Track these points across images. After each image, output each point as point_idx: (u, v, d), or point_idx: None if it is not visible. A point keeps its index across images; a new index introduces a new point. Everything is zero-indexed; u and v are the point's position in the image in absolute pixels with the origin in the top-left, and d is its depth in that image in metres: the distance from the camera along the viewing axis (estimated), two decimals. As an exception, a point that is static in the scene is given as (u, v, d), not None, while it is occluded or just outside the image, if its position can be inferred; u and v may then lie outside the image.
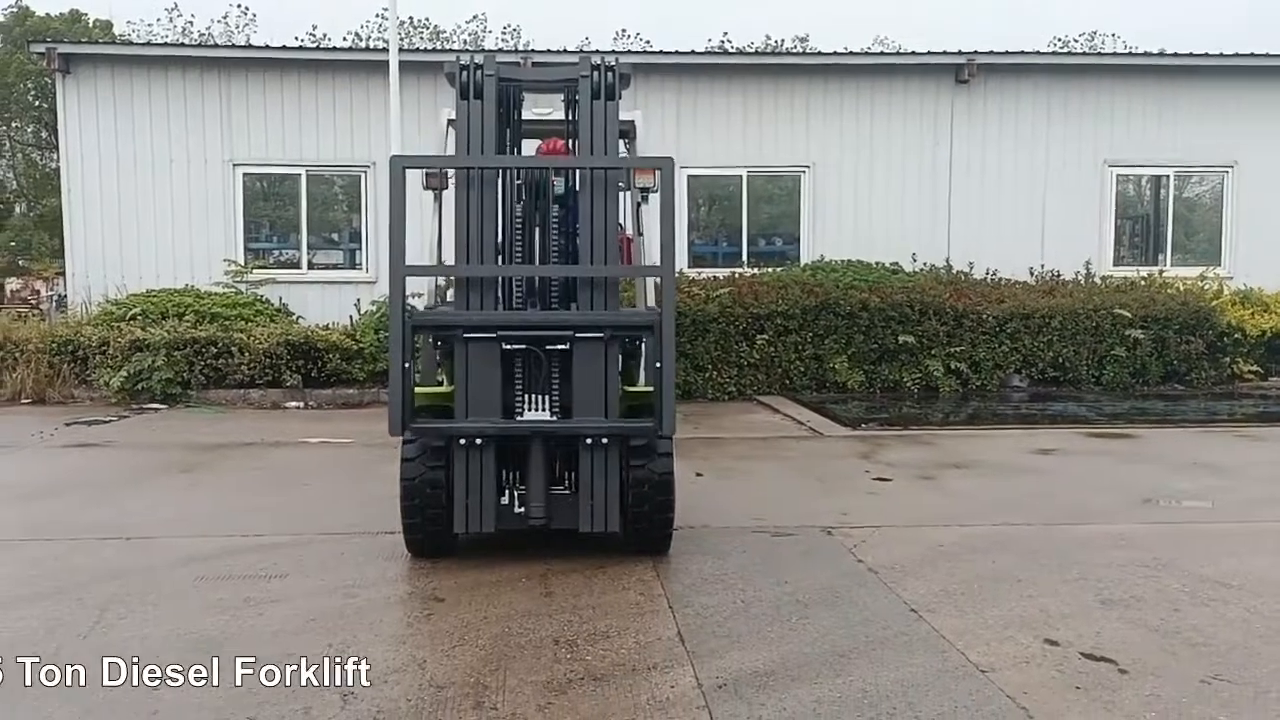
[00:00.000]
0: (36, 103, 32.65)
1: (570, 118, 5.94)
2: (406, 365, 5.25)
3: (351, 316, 13.42)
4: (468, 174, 5.47)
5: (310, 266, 15.59)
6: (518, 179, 5.73)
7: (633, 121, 6.38)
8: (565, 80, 5.85)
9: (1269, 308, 14.77)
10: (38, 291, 26.09)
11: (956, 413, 11.81)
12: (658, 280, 6.37)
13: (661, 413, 5.20)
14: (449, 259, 6.00)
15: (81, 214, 14.99)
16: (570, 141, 6.14)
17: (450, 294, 6.10)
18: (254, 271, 14.54)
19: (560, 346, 5.36)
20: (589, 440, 5.32)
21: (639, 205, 6.22)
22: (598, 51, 6.59)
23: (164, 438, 10.10)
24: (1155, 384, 13.70)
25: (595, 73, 5.55)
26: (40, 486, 7.90)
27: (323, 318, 13.80)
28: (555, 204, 5.71)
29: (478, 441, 5.30)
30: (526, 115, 6.34)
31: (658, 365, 5.22)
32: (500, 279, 5.60)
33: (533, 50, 16.95)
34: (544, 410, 5.42)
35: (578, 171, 5.68)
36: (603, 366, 5.36)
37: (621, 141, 6.18)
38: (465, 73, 5.56)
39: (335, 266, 15.95)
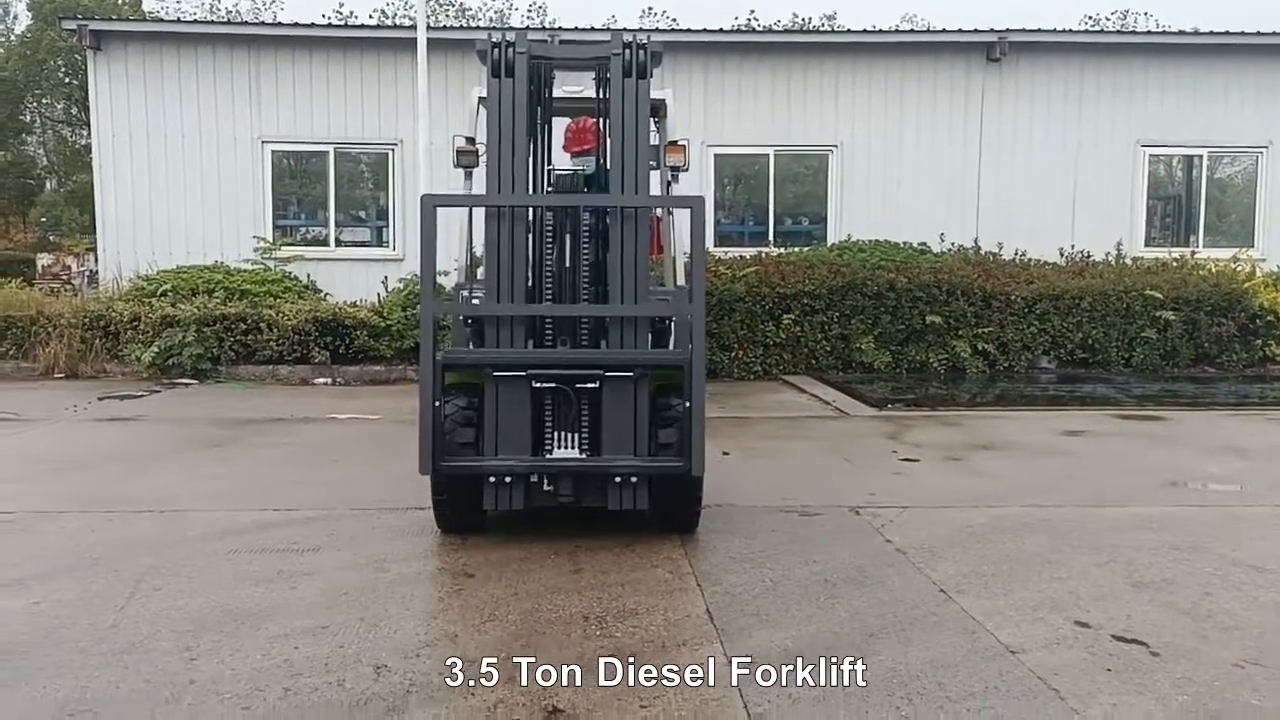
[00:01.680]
0: (67, 79, 32.82)
1: (601, 96, 5.93)
2: (437, 404, 5.26)
3: (379, 294, 13.48)
4: (499, 208, 5.46)
5: (338, 244, 15.69)
6: (549, 187, 5.70)
7: (663, 100, 6.36)
8: (596, 58, 5.83)
9: (1302, 290, 14.61)
10: (69, 267, 26.29)
11: (984, 394, 11.76)
12: (686, 260, 6.38)
13: (691, 452, 5.22)
14: (479, 244, 6.02)
15: (113, 190, 15.11)
16: (600, 120, 6.12)
17: (480, 272, 6.10)
18: (282, 248, 14.62)
19: (590, 385, 5.38)
20: (618, 479, 5.34)
21: (669, 184, 6.21)
22: (628, 29, 6.56)
23: (195, 412, 10.20)
24: (1186, 366, 13.59)
25: (627, 50, 5.54)
26: (74, 459, 7.99)
27: (350, 295, 13.88)
28: (586, 214, 5.67)
29: (507, 480, 5.34)
30: (557, 93, 6.33)
31: (687, 405, 5.23)
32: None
33: (559, 28, 16.87)
34: (573, 448, 5.43)
35: (607, 165, 5.67)
36: (632, 404, 5.39)
37: (652, 120, 6.17)
38: (496, 50, 5.55)
39: (363, 244, 16.04)
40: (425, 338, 5.32)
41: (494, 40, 5.58)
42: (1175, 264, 14.73)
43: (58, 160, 34.68)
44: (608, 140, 5.80)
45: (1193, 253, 15.57)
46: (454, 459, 5.37)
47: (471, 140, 6.31)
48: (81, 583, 5.01)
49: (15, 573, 5.16)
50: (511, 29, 5.54)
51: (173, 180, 15.06)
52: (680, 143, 6.16)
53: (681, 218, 6.12)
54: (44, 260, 27.87)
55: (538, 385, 5.38)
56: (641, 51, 5.53)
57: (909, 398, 11.10)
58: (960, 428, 9.40)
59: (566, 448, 5.44)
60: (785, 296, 12.78)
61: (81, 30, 14.92)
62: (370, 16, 37.97)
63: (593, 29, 17.82)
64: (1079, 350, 13.46)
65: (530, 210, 5.62)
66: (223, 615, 4.56)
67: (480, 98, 6.29)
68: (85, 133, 33.34)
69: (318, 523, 6.07)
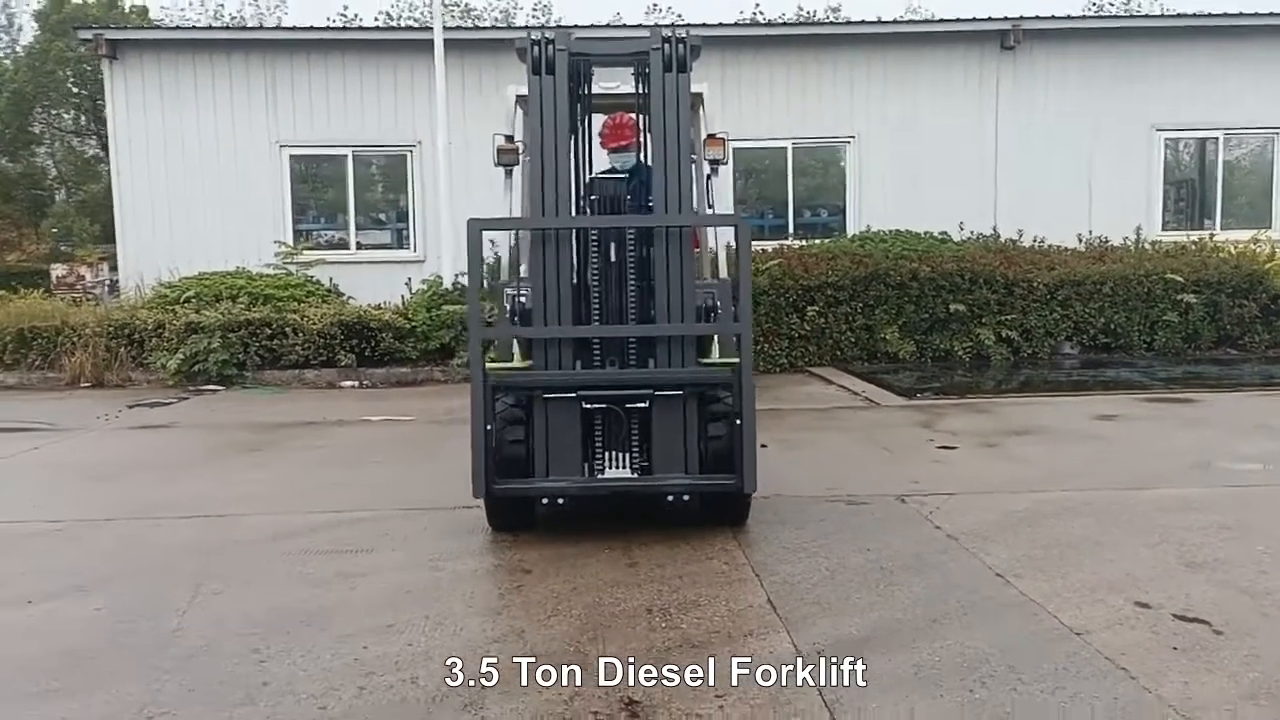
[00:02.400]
0: (76, 90, 32.82)
1: (640, 90, 5.94)
2: (489, 428, 5.29)
3: (402, 296, 13.50)
4: (543, 231, 5.47)
5: (359, 247, 15.72)
6: (592, 195, 5.70)
7: (700, 93, 6.38)
8: (636, 53, 5.84)
9: (1322, 270, 14.59)
10: (82, 277, 26.34)
11: (1010, 381, 11.77)
12: (730, 245, 6.41)
13: (743, 468, 5.26)
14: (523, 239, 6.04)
15: (131, 199, 15.17)
16: (640, 116, 6.14)
17: (524, 269, 6.11)
18: (304, 253, 14.64)
19: (640, 404, 5.41)
20: (670, 498, 5.39)
21: (709, 177, 6.23)
22: (659, 25, 6.57)
23: (226, 418, 10.24)
24: (1208, 349, 13.58)
25: (666, 45, 5.55)
26: (113, 467, 8.03)
27: (373, 297, 13.88)
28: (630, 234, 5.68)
29: (560, 501, 5.39)
30: (595, 89, 6.34)
31: (738, 422, 5.27)
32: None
33: (574, 26, 16.87)
34: (624, 468, 5.46)
35: (648, 156, 5.68)
36: (682, 422, 5.42)
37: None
38: (536, 48, 5.56)
39: (383, 246, 16.08)
40: (474, 362, 5.34)
41: (534, 38, 5.59)
42: (1194, 247, 14.71)
43: (68, 171, 34.68)
44: (648, 136, 5.82)
45: (1211, 235, 15.54)
46: (506, 482, 5.41)
47: (510, 138, 6.33)
48: (139, 588, 5.05)
49: (71, 580, 5.20)
50: (542, 27, 5.56)
51: (191, 187, 15.11)
52: (720, 135, 6.18)
53: (724, 202, 6.16)
54: (58, 271, 27.87)
55: (588, 406, 5.41)
56: (681, 45, 5.55)
57: (936, 386, 11.11)
58: (992, 415, 9.41)
59: (618, 468, 5.47)
60: (809, 288, 12.79)
61: (98, 39, 14.96)
62: (376, 18, 37.90)
63: (596, 25, 17.85)
64: (1101, 335, 13.46)
65: (574, 237, 5.63)
66: (286, 617, 4.59)
67: (518, 95, 6.32)
68: (95, 142, 33.40)
69: (367, 524, 6.10)
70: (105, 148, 30.97)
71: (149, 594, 4.96)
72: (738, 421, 5.29)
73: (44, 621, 4.61)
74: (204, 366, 12.19)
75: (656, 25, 7.73)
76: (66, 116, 34.52)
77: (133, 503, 6.78)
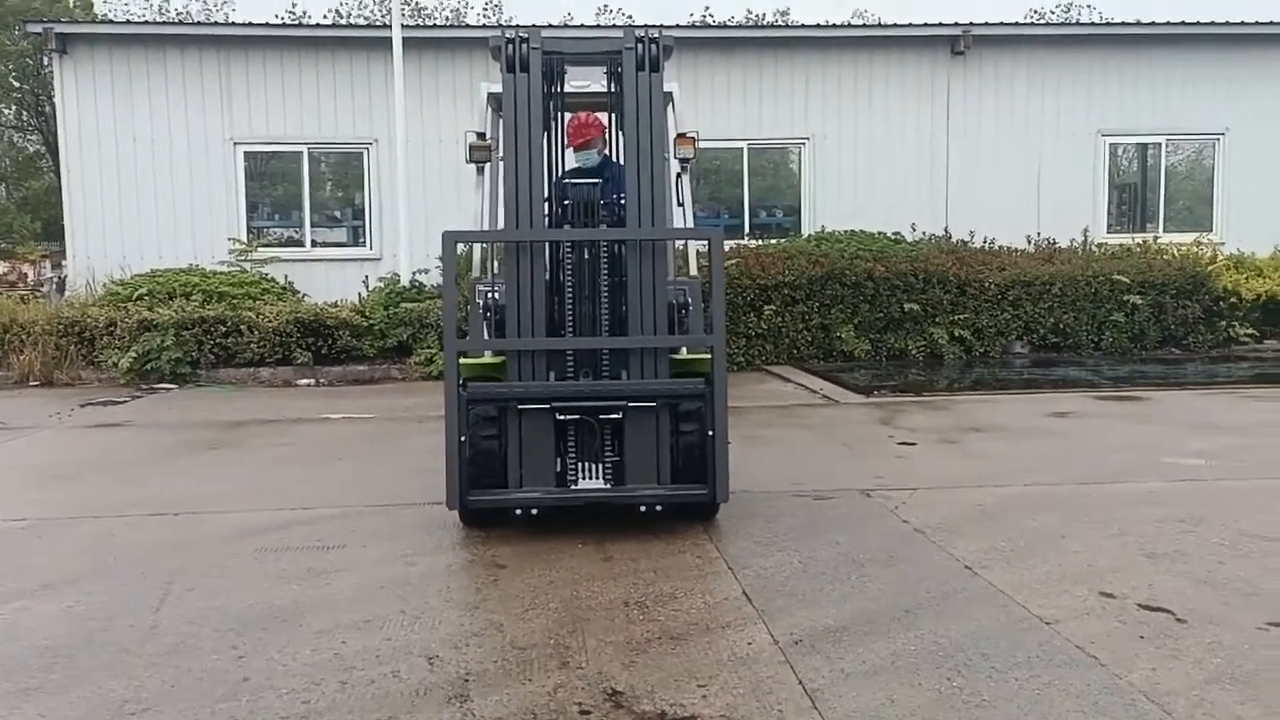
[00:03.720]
0: (18, 84, 32.27)
1: (612, 90, 5.98)
2: (463, 439, 5.32)
3: (359, 294, 13.45)
4: (516, 244, 5.52)
5: (314, 244, 15.61)
6: (565, 200, 5.75)
7: (670, 92, 6.43)
8: (609, 52, 5.89)
9: (1262, 272, 15.01)
10: (25, 275, 25.87)
11: (964, 379, 11.96)
12: (701, 246, 6.49)
13: (714, 479, 5.37)
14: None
15: (82, 195, 14.95)
16: (611, 114, 6.18)
17: (498, 265, 6.13)
18: (258, 250, 14.53)
19: (613, 415, 5.46)
20: (643, 509, 5.48)
21: (679, 175, 6.29)
22: (632, 25, 6.61)
23: (182, 416, 10.14)
24: (1154, 348, 13.92)
25: (639, 45, 5.61)
26: (72, 466, 7.92)
27: (328, 295, 13.82)
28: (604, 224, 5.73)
29: (534, 512, 5.43)
30: (566, 88, 6.37)
31: (710, 434, 5.38)
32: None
33: (518, 25, 16.86)
34: (597, 478, 5.52)
35: (620, 155, 5.73)
36: (654, 432, 5.49)
37: None
38: (510, 46, 5.59)
39: (339, 244, 15.99)
40: (449, 372, 5.35)
41: (508, 36, 5.62)
42: (1139, 249, 15.06)
43: (9, 166, 34.08)
44: (620, 136, 5.86)
45: (1155, 238, 15.90)
46: (480, 494, 5.44)
47: (482, 135, 6.35)
48: (111, 586, 5.00)
49: (42, 578, 5.13)
50: (515, 26, 5.59)
51: (143, 184, 14.92)
52: (690, 134, 6.24)
53: (689, 217, 6.24)
54: (-1, 268, 27.44)
55: (561, 417, 5.45)
56: (654, 45, 5.61)
57: (893, 384, 11.27)
58: (949, 412, 9.57)
59: (591, 478, 5.52)
60: (766, 288, 12.92)
61: (47, 33, 14.72)
62: (325, 16, 37.65)
63: (565, 25, 17.90)
64: (1051, 335, 13.74)
65: (547, 219, 5.67)
66: (262, 613, 4.58)
67: (490, 93, 6.34)
68: (37, 138, 32.84)
69: (337, 520, 6.09)
70: (47, 144, 30.55)
71: (122, 591, 4.91)
72: (709, 433, 5.38)
73: (17, 620, 4.55)
74: (157, 365, 12.07)
75: (629, 25, 7.78)
76: (7, 112, 33.91)
77: (97, 501, 6.70)
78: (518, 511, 5.45)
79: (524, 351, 5.54)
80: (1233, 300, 14.33)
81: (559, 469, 5.53)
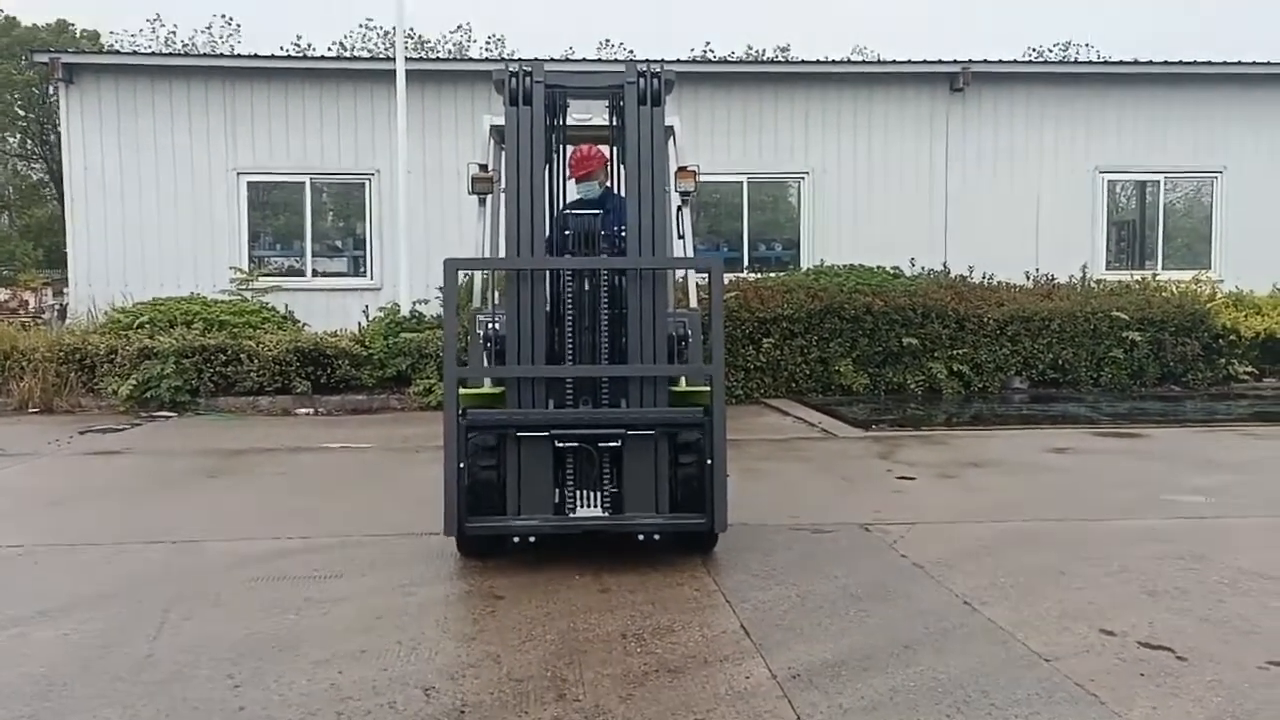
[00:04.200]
0: (23, 113, 32.45)
1: (615, 123, 6.02)
2: (461, 465, 5.32)
3: (359, 323, 13.47)
4: (517, 272, 5.54)
5: (315, 274, 15.66)
6: (566, 229, 5.78)
7: (671, 126, 6.47)
8: (611, 86, 5.93)
9: (1261, 310, 15.05)
10: (26, 302, 25.97)
11: (962, 414, 11.96)
12: (700, 278, 6.51)
13: (713, 508, 5.36)
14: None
15: (85, 223, 15.03)
16: (613, 147, 6.22)
17: (498, 296, 6.14)
18: (259, 279, 14.57)
19: (612, 443, 5.45)
20: (641, 536, 5.47)
21: (679, 208, 6.32)
22: (634, 60, 6.65)
23: (181, 444, 10.13)
24: (1153, 385, 13.91)
25: (641, 79, 5.65)
26: (70, 493, 7.91)
27: (328, 324, 13.84)
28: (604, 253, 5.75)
29: (532, 540, 5.43)
30: (569, 121, 6.41)
31: (709, 463, 5.37)
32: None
33: (522, 59, 17.04)
34: (595, 506, 5.50)
35: (621, 188, 5.77)
36: (653, 461, 5.48)
37: None
38: (514, 80, 5.63)
39: (340, 274, 16.05)
40: (449, 399, 5.34)
41: (511, 70, 5.66)
42: (1138, 286, 15.10)
43: (11, 195, 34.23)
44: (622, 169, 5.90)
45: (1154, 275, 15.95)
46: (478, 521, 5.42)
47: (484, 167, 6.39)
48: (107, 614, 4.98)
49: (37, 605, 5.11)
50: (518, 60, 5.62)
51: (146, 212, 15.00)
52: (690, 168, 6.28)
53: (689, 247, 6.26)
54: (0, 295, 27.51)
55: (560, 445, 5.44)
56: (656, 80, 5.65)
57: (892, 418, 11.27)
58: (948, 446, 9.56)
59: (589, 506, 5.50)
60: (764, 320, 12.94)
61: (54, 63, 14.85)
62: (329, 49, 37.92)
63: (567, 60, 18.02)
64: (1050, 370, 13.74)
65: (548, 250, 5.69)
66: (258, 643, 4.56)
67: (493, 125, 6.38)
68: (41, 166, 32.96)
69: (335, 549, 6.07)
70: (51, 172, 30.72)
71: (118, 619, 4.89)
72: (709, 462, 5.37)
73: (12, 647, 4.53)
74: (156, 392, 12.06)
75: (631, 60, 7.85)
76: (12, 140, 34.09)
77: (95, 528, 6.69)
78: (515, 539, 5.43)
79: (524, 380, 5.54)
80: (1232, 338, 14.35)
81: (557, 499, 5.51)
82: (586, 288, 5.66)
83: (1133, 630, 4.62)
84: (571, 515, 5.50)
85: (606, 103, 6.03)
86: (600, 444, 5.46)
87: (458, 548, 5.77)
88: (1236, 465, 8.73)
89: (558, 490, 5.51)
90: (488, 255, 6.54)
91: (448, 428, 5.31)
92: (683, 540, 5.76)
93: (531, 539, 5.43)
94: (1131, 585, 5.30)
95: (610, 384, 5.65)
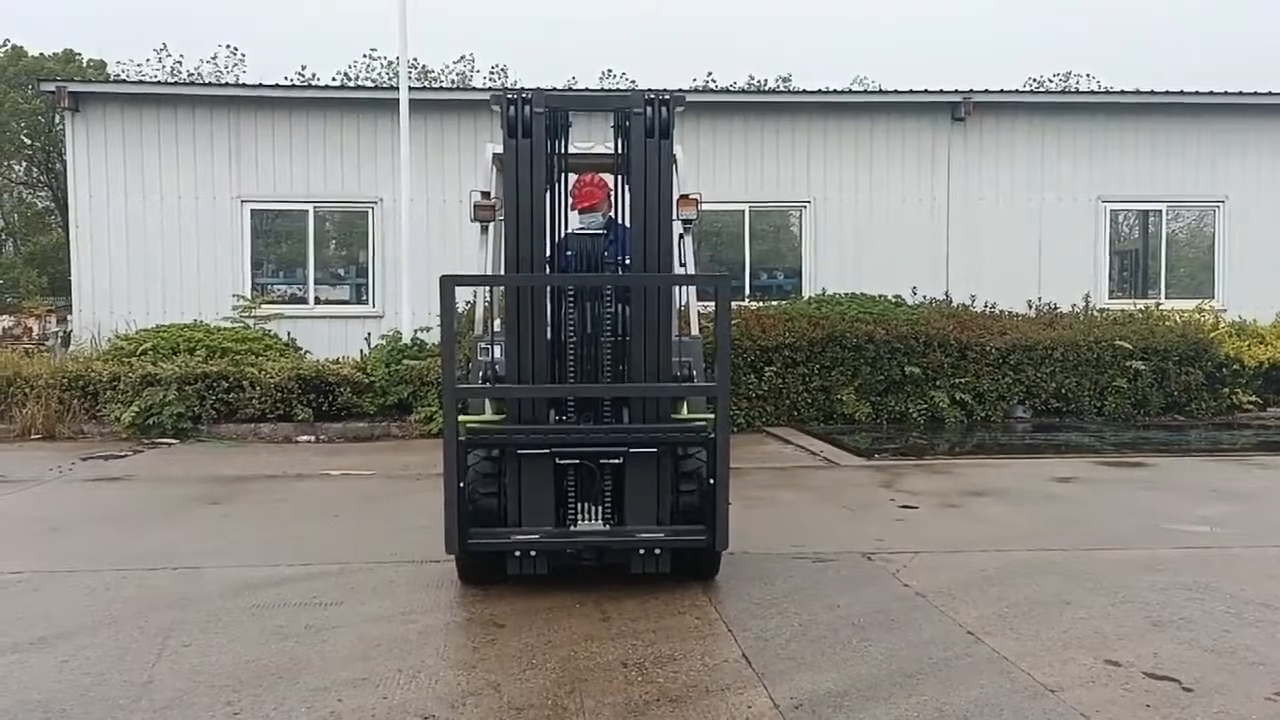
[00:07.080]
0: (29, 142, 32.62)
1: (619, 151, 6.01)
2: (461, 485, 5.29)
3: (361, 350, 13.46)
4: (518, 289, 5.54)
5: (317, 301, 15.69)
6: (568, 251, 5.77)
7: (675, 154, 6.47)
8: (617, 106, 5.91)
9: (1265, 339, 15.03)
10: (30, 329, 25.96)
11: (965, 443, 11.93)
12: (702, 306, 6.50)
13: (715, 525, 5.33)
14: (497, 293, 6.11)
15: (89, 251, 15.07)
16: (618, 176, 6.21)
17: (499, 324, 6.13)
18: (262, 306, 14.60)
19: (614, 460, 5.44)
20: (641, 551, 5.43)
21: (681, 236, 6.32)
22: (639, 90, 6.66)
23: (184, 471, 10.11)
24: (1156, 414, 13.87)
25: (649, 108, 5.65)
26: (72, 519, 7.89)
27: (330, 352, 13.84)
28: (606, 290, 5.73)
29: (532, 553, 5.40)
30: (571, 149, 6.40)
31: (711, 482, 5.35)
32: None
33: (523, 87, 17.15)
34: (597, 520, 5.48)
35: (627, 217, 5.77)
36: (655, 478, 5.47)
37: None
38: (514, 108, 5.63)
39: (342, 301, 16.07)
40: (448, 418, 5.32)
41: (509, 96, 5.67)
42: (1141, 315, 15.08)
43: (17, 222, 34.37)
44: (627, 196, 5.89)
45: (1157, 304, 15.94)
46: (480, 537, 5.40)
47: (487, 194, 6.40)
48: (107, 640, 4.96)
49: (37, 631, 5.10)
50: (522, 89, 5.58)
51: (150, 240, 15.05)
52: (692, 196, 6.29)
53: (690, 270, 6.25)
54: (4, 323, 27.51)
55: (561, 461, 5.43)
56: (664, 108, 5.65)
57: (894, 447, 11.25)
58: (950, 475, 9.53)
59: (590, 520, 5.48)
60: (767, 349, 12.93)
61: (60, 91, 14.94)
62: (334, 78, 38.13)
63: (569, 90, 18.09)
64: (1053, 399, 13.72)
65: (549, 293, 5.68)
66: (258, 670, 4.54)
67: (495, 153, 6.39)
68: (46, 195, 33.11)
69: (335, 577, 6.05)
70: (57, 200, 30.83)
71: (117, 646, 4.87)
72: (711, 481, 5.34)
73: (11, 673, 4.51)
74: (159, 419, 12.05)
75: (635, 89, 7.88)
76: (18, 168, 34.25)
77: (95, 554, 6.67)
78: (515, 554, 5.39)
79: (524, 400, 5.53)
80: (1235, 367, 14.33)
81: (558, 515, 5.48)
82: (589, 312, 5.65)
83: (1138, 661, 4.60)
84: (572, 530, 5.47)
85: (611, 123, 5.99)
86: (602, 460, 5.43)
87: (459, 574, 5.75)
88: (1241, 495, 8.69)
89: (559, 513, 5.48)
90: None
91: (447, 444, 5.29)
92: (684, 566, 5.73)
93: (532, 552, 5.38)
94: (1136, 615, 5.27)
95: (612, 405, 5.63)
